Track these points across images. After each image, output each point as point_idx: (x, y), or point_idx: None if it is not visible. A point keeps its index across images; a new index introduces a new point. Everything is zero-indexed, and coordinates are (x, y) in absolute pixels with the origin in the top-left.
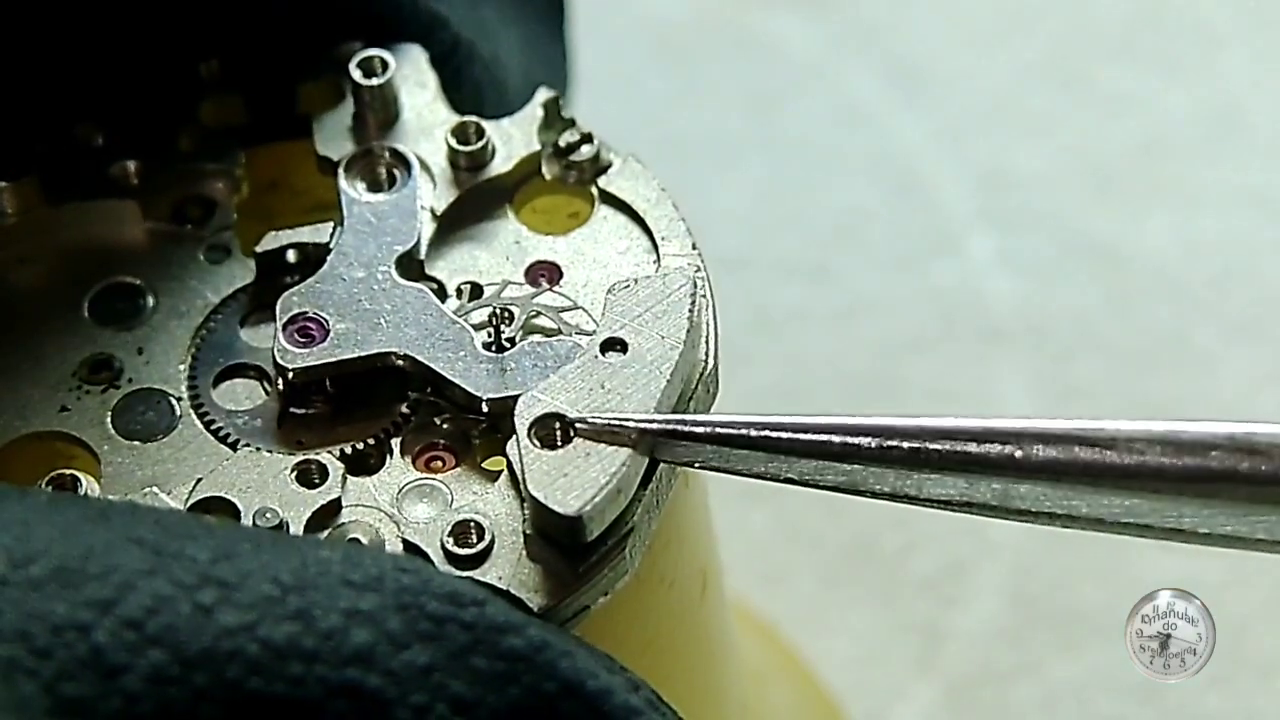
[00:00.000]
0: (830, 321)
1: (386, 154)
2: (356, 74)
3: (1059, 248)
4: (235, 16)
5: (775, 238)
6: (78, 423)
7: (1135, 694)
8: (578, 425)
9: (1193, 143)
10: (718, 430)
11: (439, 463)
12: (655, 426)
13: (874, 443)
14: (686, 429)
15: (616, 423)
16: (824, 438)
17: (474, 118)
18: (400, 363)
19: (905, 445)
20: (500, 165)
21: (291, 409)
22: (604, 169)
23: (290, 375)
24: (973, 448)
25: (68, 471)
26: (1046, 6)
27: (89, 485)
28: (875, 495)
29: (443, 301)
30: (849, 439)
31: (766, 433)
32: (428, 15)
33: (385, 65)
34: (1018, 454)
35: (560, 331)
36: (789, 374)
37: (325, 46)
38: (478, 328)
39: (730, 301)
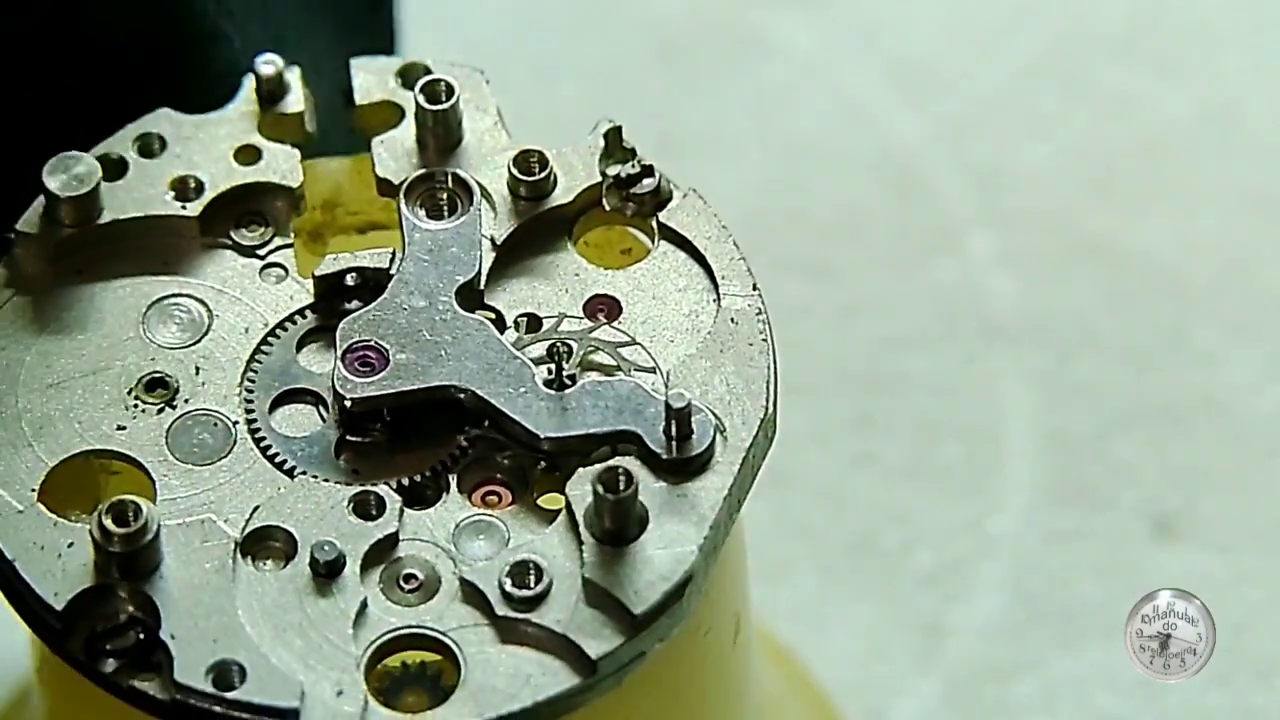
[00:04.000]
0: (831, 319)
1: (448, 179)
2: (420, 98)
3: (1059, 246)
4: None
5: (775, 235)
6: (133, 442)
7: (1136, 691)
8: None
9: (1193, 142)
10: None
11: (495, 498)
12: None
13: None
14: None
15: None
16: None
17: (537, 146)
18: (460, 396)
19: None
20: (561, 196)
21: (348, 437)
22: (664, 202)
23: (350, 404)
24: None
25: (128, 498)
26: (1047, 5)
27: (148, 511)
28: None
29: (501, 333)
30: None
31: None
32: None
33: (451, 90)
34: None
35: (619, 368)
36: (789, 371)
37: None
38: (537, 362)
39: None
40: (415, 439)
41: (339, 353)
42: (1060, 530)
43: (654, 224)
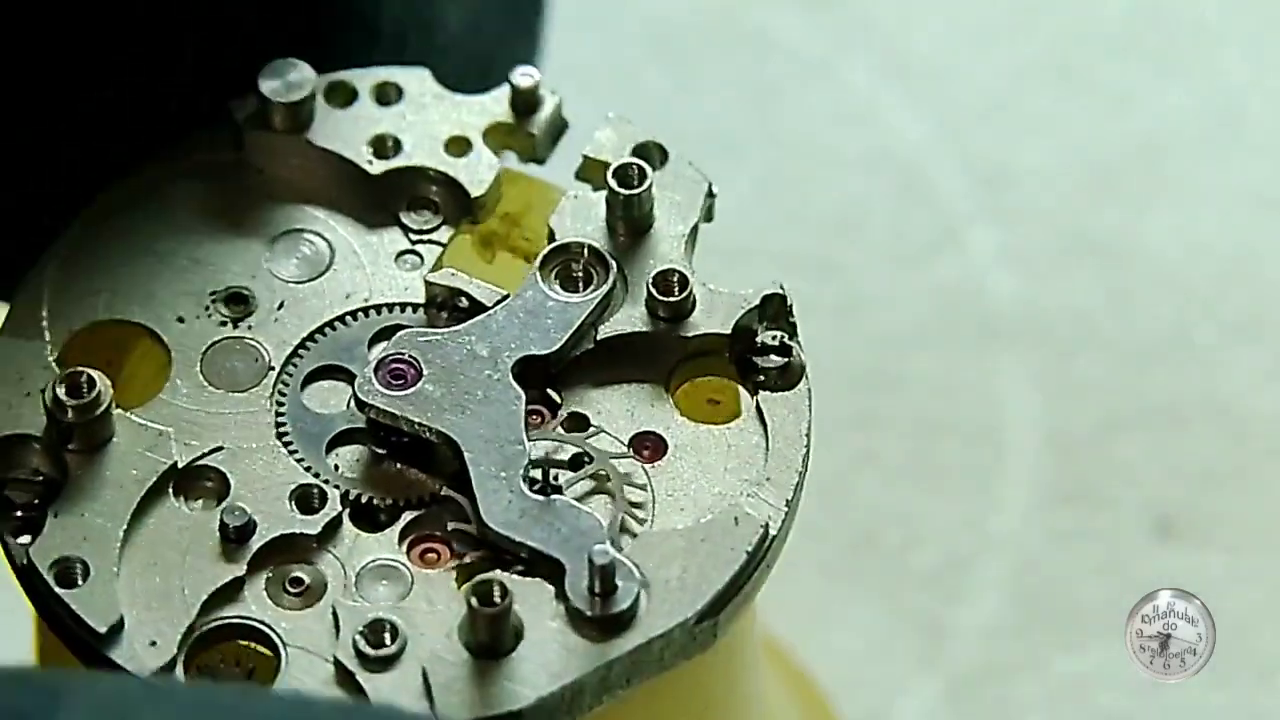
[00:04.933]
0: (832, 315)
1: (584, 252)
2: (612, 180)
3: (1060, 244)
4: None
5: (776, 232)
6: (178, 337)
7: (1137, 691)
8: None
9: (1193, 140)
10: None
11: (434, 555)
12: None
13: None
14: None
15: None
16: None
17: (677, 267)
18: (449, 450)
19: None
20: (689, 326)
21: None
22: (780, 387)
23: (354, 401)
24: None
25: (91, 372)
26: (1047, 4)
27: (100, 389)
28: None
29: (550, 417)
30: None
31: None
32: None
33: (643, 177)
34: None
35: (613, 500)
36: None
37: None
38: (548, 463)
39: None
40: (410, 463)
41: (379, 356)
42: (1061, 530)
43: (756, 400)
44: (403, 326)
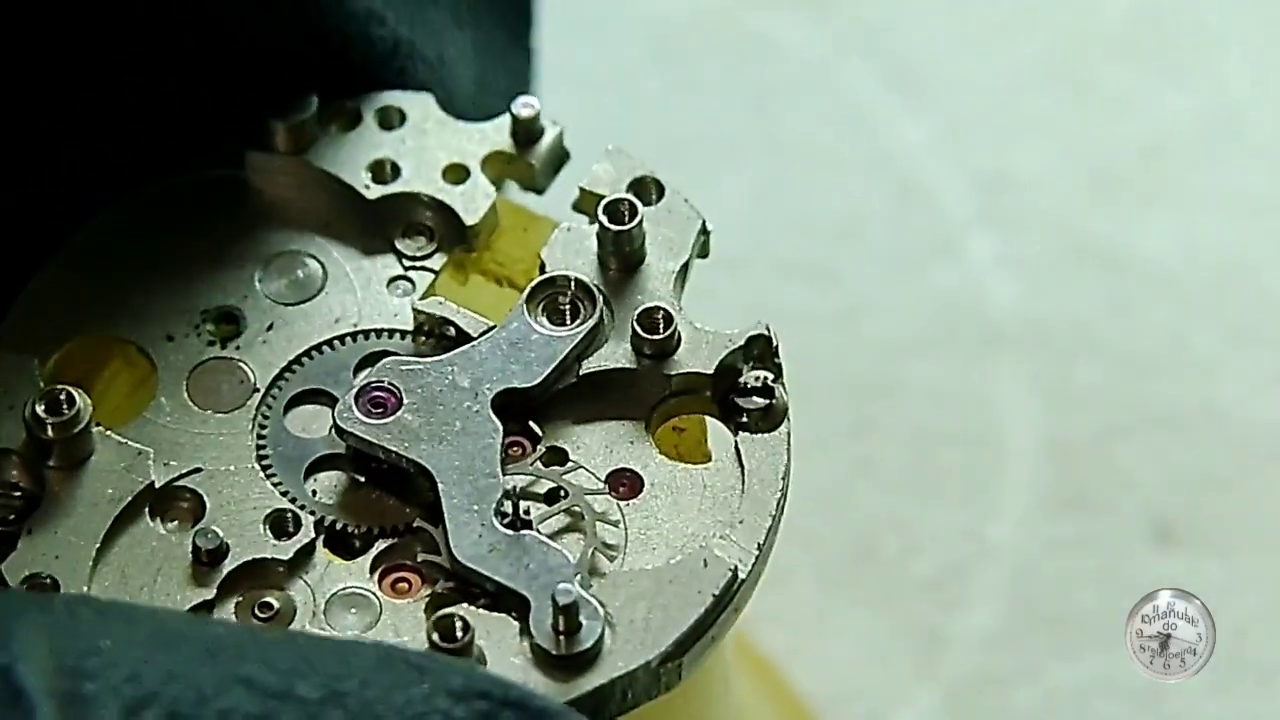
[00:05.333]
0: (831, 322)
1: (570, 285)
2: (602, 217)
3: (1059, 250)
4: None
5: (775, 238)
6: (167, 356)
7: (1135, 699)
8: None
9: (1193, 145)
10: None
11: (405, 585)
12: None
13: None
14: None
15: None
16: None
17: (663, 304)
18: (424, 480)
19: None
20: (672, 365)
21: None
22: (762, 429)
23: (333, 429)
24: None
25: (71, 389)
26: (1047, 7)
27: (79, 407)
28: None
29: (531, 449)
30: None
31: None
32: (364, 11)
33: (633, 213)
34: None
35: (583, 534)
36: (789, 375)
37: (269, 54)
38: (522, 495)
39: (730, 302)
40: (387, 491)
41: (361, 383)
42: (1060, 537)
43: (735, 441)
44: (390, 353)
